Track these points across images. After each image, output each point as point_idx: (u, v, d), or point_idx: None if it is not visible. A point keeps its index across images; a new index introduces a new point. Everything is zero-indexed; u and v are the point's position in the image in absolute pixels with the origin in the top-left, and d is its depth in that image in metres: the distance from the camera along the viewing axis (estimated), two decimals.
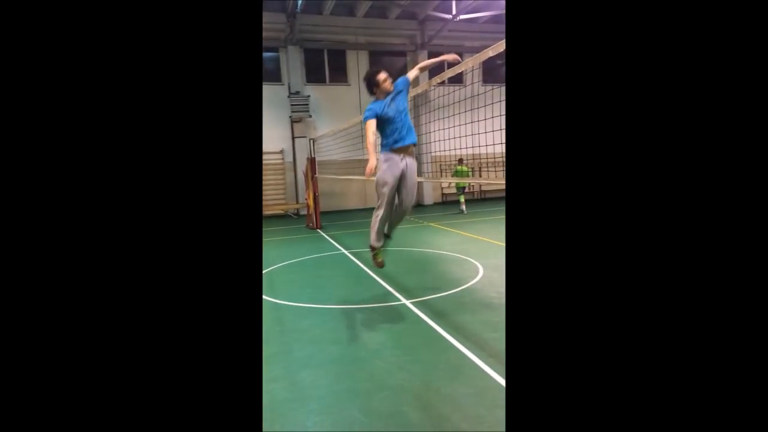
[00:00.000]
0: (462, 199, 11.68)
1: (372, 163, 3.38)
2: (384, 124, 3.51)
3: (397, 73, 3.74)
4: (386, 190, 3.53)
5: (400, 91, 3.57)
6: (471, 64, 3.51)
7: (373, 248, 3.82)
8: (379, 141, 3.58)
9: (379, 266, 3.79)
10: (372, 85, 3.53)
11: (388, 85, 3.49)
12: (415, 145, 3.61)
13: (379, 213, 3.63)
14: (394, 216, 3.74)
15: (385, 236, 3.78)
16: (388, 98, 3.51)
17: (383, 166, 3.53)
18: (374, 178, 3.59)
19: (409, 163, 3.57)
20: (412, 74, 3.74)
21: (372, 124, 3.50)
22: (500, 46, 2.93)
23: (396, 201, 3.67)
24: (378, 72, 3.53)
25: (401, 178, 3.56)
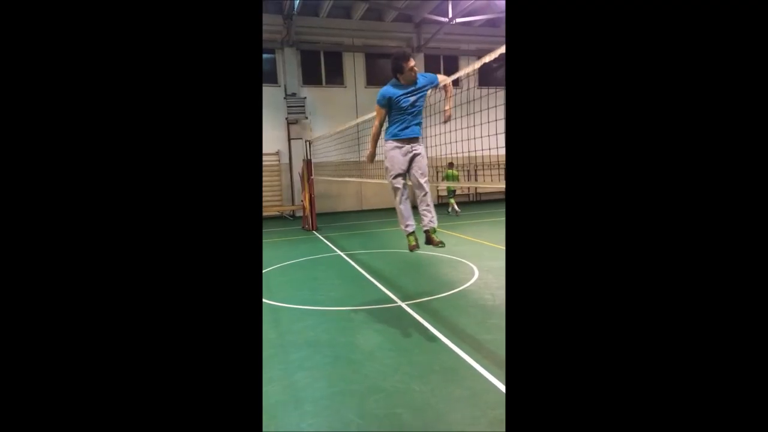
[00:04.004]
0: (452, 201, 11.75)
1: (371, 150, 3.66)
2: (394, 111, 3.40)
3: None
4: (395, 180, 3.47)
5: (424, 90, 3.44)
6: (467, 70, 3.53)
7: (406, 233, 3.70)
8: (385, 126, 3.52)
9: (411, 250, 3.66)
10: (398, 68, 3.31)
11: (413, 75, 3.34)
12: (419, 137, 3.49)
13: (395, 201, 3.58)
14: (414, 193, 3.56)
15: (433, 230, 3.52)
16: (409, 89, 3.37)
17: (390, 155, 3.46)
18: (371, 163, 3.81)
19: (416, 148, 3.47)
20: (442, 78, 3.53)
21: (381, 112, 3.45)
22: (496, 52, 2.96)
23: (409, 182, 3.59)
24: (409, 57, 3.32)
25: (411, 162, 3.47)
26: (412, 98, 3.37)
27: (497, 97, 3.90)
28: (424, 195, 3.49)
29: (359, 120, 6.35)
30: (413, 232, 3.58)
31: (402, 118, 3.38)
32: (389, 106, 3.40)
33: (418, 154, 3.46)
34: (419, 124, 3.46)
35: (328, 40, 13.78)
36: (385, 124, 3.53)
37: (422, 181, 3.46)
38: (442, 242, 3.53)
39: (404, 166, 3.45)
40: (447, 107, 3.56)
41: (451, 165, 10.84)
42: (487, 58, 3.21)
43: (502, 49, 2.76)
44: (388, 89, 3.38)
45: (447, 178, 11.07)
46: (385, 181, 3.57)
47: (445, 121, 3.58)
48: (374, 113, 3.61)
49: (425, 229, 3.51)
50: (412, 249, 3.62)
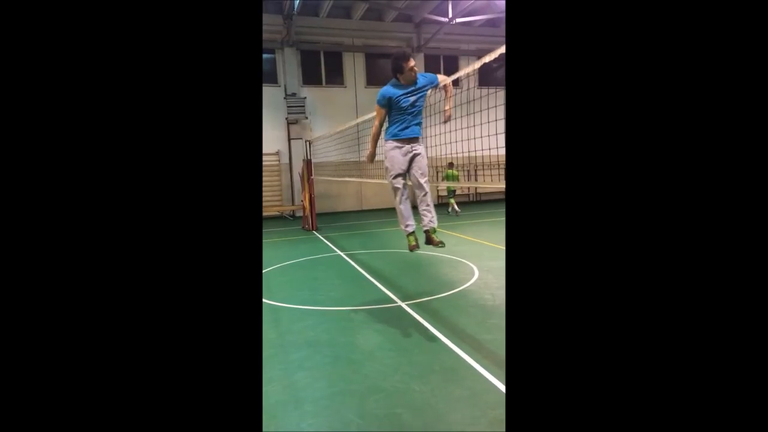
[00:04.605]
0: (452, 201, 11.76)
1: (371, 150, 3.67)
2: (394, 111, 3.41)
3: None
4: (395, 180, 3.48)
5: (424, 90, 3.44)
6: (467, 70, 3.52)
7: (406, 233, 3.65)
8: (385, 126, 3.53)
9: (411, 250, 3.66)
10: (398, 68, 3.32)
11: (413, 75, 3.34)
12: (419, 137, 3.50)
13: (395, 201, 3.58)
14: (414, 193, 3.56)
15: (432, 230, 3.51)
16: (409, 89, 3.37)
17: (390, 155, 3.46)
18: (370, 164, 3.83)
19: (416, 148, 3.47)
20: (442, 78, 3.53)
21: (381, 112, 3.46)
22: (496, 52, 2.96)
23: (409, 182, 3.59)
24: (409, 57, 3.32)
25: (411, 162, 3.47)
26: (412, 98, 3.37)
27: (497, 97, 3.90)
28: (424, 195, 3.49)
29: (359, 120, 6.35)
30: (413, 232, 3.58)
31: (402, 118, 3.39)
32: (389, 106, 3.41)
33: (418, 154, 3.46)
34: (419, 124, 3.47)
35: (328, 40, 13.78)
36: (385, 124, 3.53)
37: (422, 181, 3.46)
38: (442, 242, 3.53)
39: (404, 166, 3.45)
40: (447, 107, 3.57)
41: (451, 165, 10.85)
42: (487, 58, 3.21)
43: (502, 49, 2.76)
44: (388, 89, 3.38)
45: (447, 178, 11.08)
46: (385, 181, 3.57)
47: (445, 121, 3.58)
48: (374, 113, 3.61)
49: (425, 229, 3.52)
50: (412, 249, 3.62)
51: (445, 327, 3.70)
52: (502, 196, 14.32)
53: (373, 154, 3.71)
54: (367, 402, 2.58)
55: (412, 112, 3.39)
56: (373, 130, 3.59)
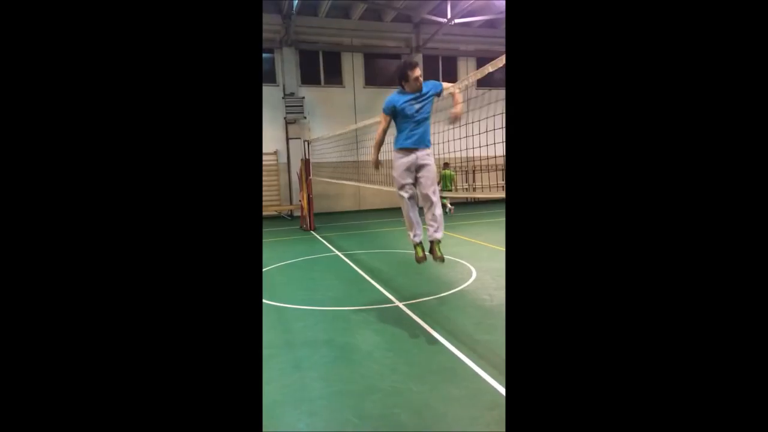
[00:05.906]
0: (446, 201, 11.76)
1: (374, 158, 3.69)
2: (400, 119, 3.44)
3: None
4: (401, 190, 3.49)
5: (429, 98, 3.46)
6: (471, 80, 3.52)
7: (413, 243, 3.66)
8: (395, 135, 3.54)
9: (418, 261, 3.64)
10: (403, 76, 3.38)
11: (418, 85, 3.38)
12: (427, 146, 3.51)
13: (403, 209, 3.58)
14: (421, 202, 3.57)
15: (437, 241, 3.53)
16: (415, 96, 3.41)
17: (396, 164, 3.48)
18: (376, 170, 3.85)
19: (423, 158, 3.46)
20: (448, 86, 3.59)
21: (386, 120, 3.48)
22: (498, 61, 2.97)
23: (417, 192, 3.59)
24: (415, 66, 3.37)
25: (418, 170, 3.48)
26: (417, 105, 3.40)
27: (497, 97, 3.92)
28: (431, 206, 3.48)
29: (359, 125, 6.34)
30: (421, 243, 3.59)
31: (408, 126, 3.41)
32: (395, 114, 3.43)
33: (425, 165, 3.45)
34: (426, 131, 3.46)
35: (326, 40, 13.77)
36: (395, 134, 3.53)
37: (428, 192, 3.46)
38: (442, 258, 3.54)
39: (409, 177, 3.47)
40: (454, 110, 3.53)
41: (446, 165, 10.84)
42: (490, 68, 3.22)
43: (503, 59, 2.77)
44: (393, 97, 3.42)
45: (443, 178, 11.07)
46: (384, 187, 3.58)
47: (452, 122, 3.56)
48: (374, 117, 3.63)
49: (429, 239, 3.53)
50: (418, 261, 3.62)
51: (443, 327, 3.70)
52: (500, 197, 14.33)
53: (376, 161, 3.73)
54: (365, 402, 2.58)
55: (418, 120, 3.41)
56: (376, 137, 3.62)
